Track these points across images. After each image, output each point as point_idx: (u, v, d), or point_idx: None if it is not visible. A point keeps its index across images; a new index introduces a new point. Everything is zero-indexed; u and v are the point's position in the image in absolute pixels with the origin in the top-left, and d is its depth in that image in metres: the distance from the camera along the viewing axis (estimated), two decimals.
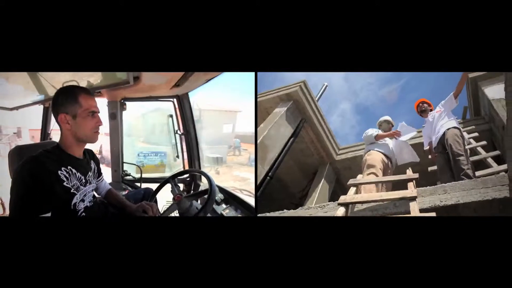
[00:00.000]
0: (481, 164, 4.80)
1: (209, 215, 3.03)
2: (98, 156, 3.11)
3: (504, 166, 4.05)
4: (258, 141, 5.89)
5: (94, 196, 2.76)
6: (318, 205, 3.77)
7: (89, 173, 2.53)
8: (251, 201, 3.48)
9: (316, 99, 8.03)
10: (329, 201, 6.02)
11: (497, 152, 4.75)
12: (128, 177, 4.44)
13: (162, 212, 3.05)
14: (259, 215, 3.69)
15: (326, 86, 9.10)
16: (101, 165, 3.06)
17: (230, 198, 3.48)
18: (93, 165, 2.65)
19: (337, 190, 7.35)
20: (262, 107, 7.63)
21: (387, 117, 5.21)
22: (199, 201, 3.22)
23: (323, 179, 7.09)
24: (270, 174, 6.09)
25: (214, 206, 3.15)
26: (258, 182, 5.79)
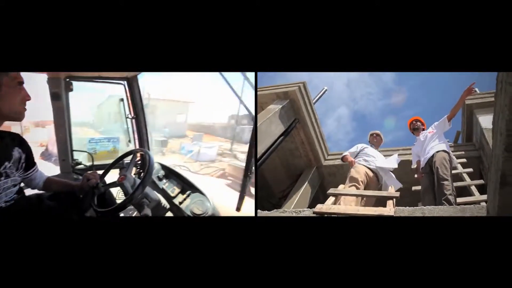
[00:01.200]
0: (464, 191, 4.79)
1: (151, 190, 3.00)
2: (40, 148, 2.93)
3: (485, 197, 4.02)
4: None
5: (20, 191, 2.28)
6: (293, 210, 3.71)
7: (6, 163, 2.04)
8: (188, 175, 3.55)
9: (313, 101, 7.97)
10: (309, 206, 5.99)
11: (481, 181, 4.73)
12: (79, 166, 4.08)
13: (105, 184, 2.89)
14: (259, 215, 3.66)
15: (326, 90, 9.03)
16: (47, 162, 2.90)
17: (171, 174, 3.50)
18: (17, 153, 2.16)
19: (320, 195, 7.29)
20: (257, 102, 7.53)
21: (376, 131, 5.17)
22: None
23: (306, 182, 7.04)
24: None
25: (157, 181, 3.18)
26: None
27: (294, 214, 3.63)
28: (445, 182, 3.90)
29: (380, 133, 5.11)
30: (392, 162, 4.68)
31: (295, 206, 6.24)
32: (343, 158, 4.86)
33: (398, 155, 5.07)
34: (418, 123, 4.90)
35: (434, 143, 4.45)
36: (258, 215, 3.79)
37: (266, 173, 7.73)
